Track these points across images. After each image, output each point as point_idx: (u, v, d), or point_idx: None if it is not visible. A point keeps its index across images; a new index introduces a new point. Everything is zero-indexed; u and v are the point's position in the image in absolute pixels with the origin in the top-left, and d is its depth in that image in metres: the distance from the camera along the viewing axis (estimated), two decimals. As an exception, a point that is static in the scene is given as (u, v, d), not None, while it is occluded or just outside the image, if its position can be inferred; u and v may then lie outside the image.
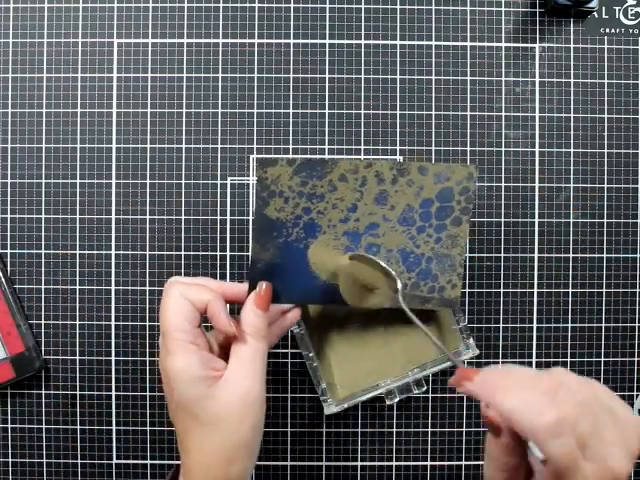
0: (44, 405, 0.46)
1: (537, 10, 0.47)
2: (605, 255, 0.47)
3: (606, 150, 0.47)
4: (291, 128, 0.46)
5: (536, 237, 0.47)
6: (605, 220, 0.47)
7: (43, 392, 0.46)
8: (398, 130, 0.47)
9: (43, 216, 0.46)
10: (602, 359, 0.47)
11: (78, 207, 0.46)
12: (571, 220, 0.47)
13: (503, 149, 0.47)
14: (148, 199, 0.46)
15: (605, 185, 0.47)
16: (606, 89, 0.47)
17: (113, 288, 0.46)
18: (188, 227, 0.46)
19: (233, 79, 0.46)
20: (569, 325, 0.47)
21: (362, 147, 0.47)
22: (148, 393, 0.46)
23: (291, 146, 0.46)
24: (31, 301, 0.46)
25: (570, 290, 0.47)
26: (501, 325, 0.47)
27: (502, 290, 0.47)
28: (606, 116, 0.47)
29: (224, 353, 0.36)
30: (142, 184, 0.46)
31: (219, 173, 0.46)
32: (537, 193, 0.47)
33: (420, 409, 0.47)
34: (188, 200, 0.46)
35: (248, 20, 0.46)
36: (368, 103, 0.47)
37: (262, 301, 0.36)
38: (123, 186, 0.46)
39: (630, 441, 0.29)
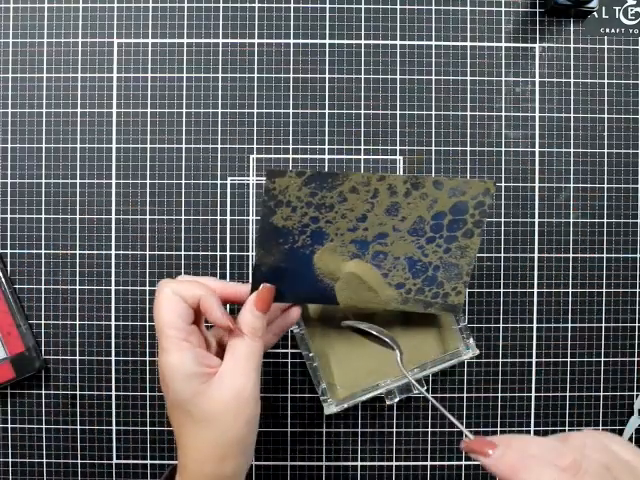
0: (44, 405, 0.46)
1: (537, 10, 0.47)
2: (605, 255, 0.47)
3: (606, 150, 0.47)
4: (291, 128, 0.46)
5: (536, 237, 0.47)
6: (605, 220, 0.47)
7: (43, 392, 0.46)
8: (398, 130, 0.47)
9: (43, 216, 0.46)
10: (602, 359, 0.47)
11: (78, 207, 0.46)
12: (571, 220, 0.47)
13: (503, 149, 0.47)
14: (148, 199, 0.46)
15: (605, 185, 0.47)
16: (606, 89, 0.47)
17: (113, 288, 0.46)
18: (188, 227, 0.46)
19: (233, 79, 0.46)
20: (569, 325, 0.47)
21: (362, 147, 0.47)
22: (148, 393, 0.46)
23: (291, 146, 0.46)
24: (31, 301, 0.46)
25: (570, 290, 0.47)
26: (501, 325, 0.47)
27: (502, 290, 0.47)
28: (606, 116, 0.47)
29: (223, 351, 0.36)
30: (142, 184, 0.46)
31: (219, 173, 0.46)
32: (537, 193, 0.47)
33: (420, 409, 0.47)
34: (188, 200, 0.46)
35: (248, 20, 0.46)
36: (368, 103, 0.47)
37: (262, 302, 0.36)
38: (123, 186, 0.46)
39: None
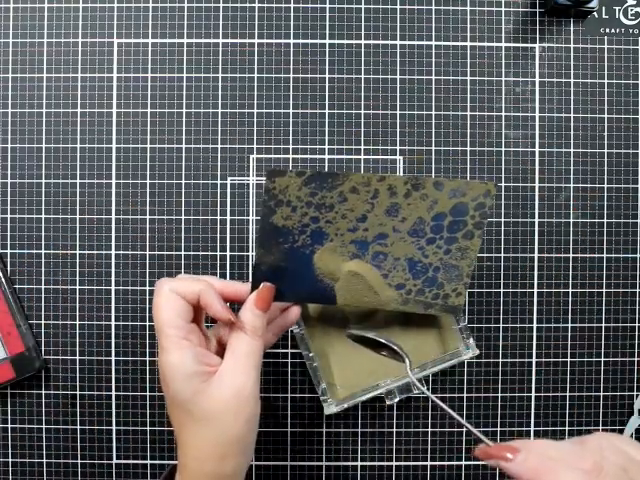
0: (44, 405, 0.46)
1: (537, 10, 0.47)
2: (605, 255, 0.47)
3: (606, 150, 0.47)
4: (291, 128, 0.46)
5: (536, 237, 0.47)
6: (605, 220, 0.47)
7: (43, 392, 0.46)
8: (398, 130, 0.47)
9: (43, 216, 0.46)
10: (602, 359, 0.47)
11: (78, 207, 0.46)
12: (571, 220, 0.47)
13: (503, 149, 0.47)
14: (148, 199, 0.46)
15: (605, 185, 0.47)
16: (606, 89, 0.47)
17: (113, 288, 0.46)
18: (188, 227, 0.46)
19: (233, 79, 0.46)
20: (569, 325, 0.47)
21: (362, 147, 0.47)
22: (148, 393, 0.46)
23: (291, 146, 0.46)
24: (31, 301, 0.46)
25: (570, 290, 0.47)
26: (501, 325, 0.47)
27: (502, 290, 0.47)
28: (606, 116, 0.47)
29: (223, 350, 0.36)
30: (142, 184, 0.46)
31: (219, 173, 0.46)
32: (537, 193, 0.47)
33: (420, 409, 0.47)
34: (188, 200, 0.46)
35: (248, 20, 0.46)
36: (368, 103, 0.47)
37: (262, 301, 0.36)
38: (123, 186, 0.46)
39: None
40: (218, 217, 0.46)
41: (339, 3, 0.46)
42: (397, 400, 0.42)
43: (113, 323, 0.46)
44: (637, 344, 0.47)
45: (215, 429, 0.34)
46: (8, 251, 0.46)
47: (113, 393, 0.46)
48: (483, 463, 0.47)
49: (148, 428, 0.46)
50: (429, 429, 0.47)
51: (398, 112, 0.47)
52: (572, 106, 0.47)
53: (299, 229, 0.37)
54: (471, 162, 0.47)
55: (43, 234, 0.46)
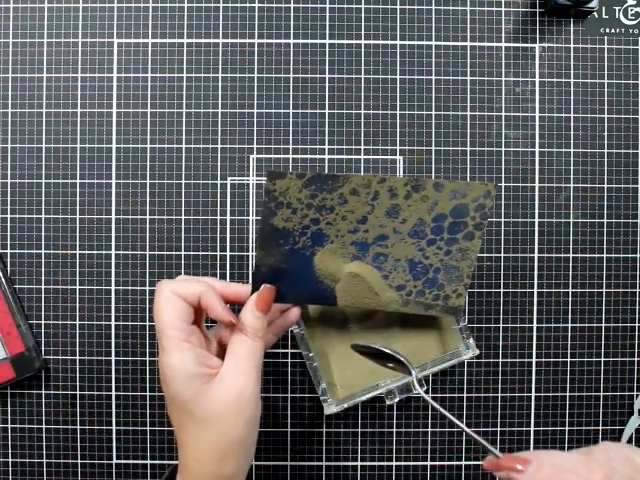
0: (44, 405, 0.46)
1: (537, 10, 0.47)
2: (605, 255, 0.47)
3: (606, 150, 0.47)
4: (291, 128, 0.46)
5: (536, 237, 0.47)
6: (605, 220, 0.47)
7: (43, 392, 0.46)
8: (398, 130, 0.47)
9: (43, 216, 0.46)
10: (602, 359, 0.47)
11: (78, 207, 0.46)
12: (571, 220, 0.47)
13: (503, 149, 0.47)
14: (148, 199, 0.46)
15: (605, 185, 0.47)
16: (606, 89, 0.47)
17: (113, 288, 0.46)
18: (188, 227, 0.46)
19: (233, 79, 0.46)
20: (569, 325, 0.47)
21: (362, 147, 0.47)
22: (148, 393, 0.46)
23: (291, 146, 0.46)
24: (31, 301, 0.46)
25: (570, 290, 0.47)
26: (501, 325, 0.47)
27: (502, 290, 0.47)
28: (606, 116, 0.47)
29: (223, 351, 0.36)
30: (142, 184, 0.46)
31: (219, 173, 0.46)
32: (537, 193, 0.47)
33: (420, 409, 0.47)
34: (188, 200, 0.46)
35: (248, 20, 0.46)
36: (368, 103, 0.47)
37: (262, 303, 0.36)
38: (123, 186, 0.46)
39: None
40: (218, 217, 0.46)
41: (339, 3, 0.46)
42: (397, 400, 0.42)
43: (113, 323, 0.46)
44: (637, 344, 0.47)
45: (216, 431, 0.34)
46: (8, 251, 0.46)
47: (113, 393, 0.46)
48: (482, 463, 0.47)
49: (148, 428, 0.46)
50: (429, 429, 0.47)
51: (398, 112, 0.47)
52: (572, 106, 0.47)
53: (299, 231, 0.37)
54: (471, 162, 0.47)
55: (43, 234, 0.46)
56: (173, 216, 0.46)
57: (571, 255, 0.47)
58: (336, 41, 0.47)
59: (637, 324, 0.47)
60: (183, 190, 0.46)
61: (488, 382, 0.47)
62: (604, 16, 0.47)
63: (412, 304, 0.41)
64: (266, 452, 0.47)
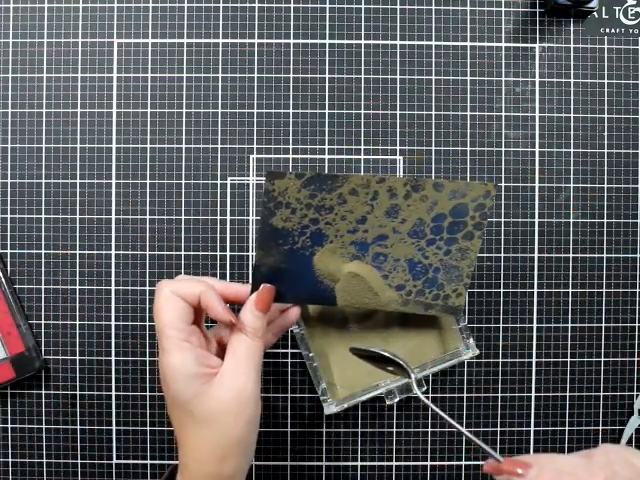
0: (44, 405, 0.46)
1: (537, 10, 0.47)
2: (605, 255, 0.47)
3: (606, 150, 0.47)
4: (291, 128, 0.46)
5: (536, 237, 0.47)
6: (605, 220, 0.47)
7: (43, 392, 0.46)
8: (398, 130, 0.47)
9: (43, 216, 0.46)
10: (602, 359, 0.47)
11: (78, 207, 0.46)
12: (571, 220, 0.47)
13: (503, 149, 0.47)
14: (148, 199, 0.46)
15: (605, 185, 0.47)
16: (606, 89, 0.47)
17: (113, 288, 0.46)
18: (188, 227, 0.46)
19: (233, 79, 0.46)
20: (569, 325, 0.47)
21: (362, 147, 0.47)
22: (148, 393, 0.46)
23: (291, 146, 0.46)
24: (31, 301, 0.46)
25: (570, 290, 0.47)
26: (501, 325, 0.47)
27: (502, 290, 0.47)
28: (606, 116, 0.47)
29: (223, 351, 0.36)
30: (142, 184, 0.46)
31: (219, 173, 0.46)
32: (537, 193, 0.47)
33: (420, 409, 0.47)
34: (188, 200, 0.46)
35: (248, 20, 0.46)
36: (368, 103, 0.47)
37: (262, 303, 0.36)
38: (123, 186, 0.46)
39: None
40: (218, 217, 0.46)
41: (339, 3, 0.46)
42: (397, 400, 0.42)
43: (113, 323, 0.46)
44: (637, 344, 0.47)
45: (216, 430, 0.34)
46: (8, 251, 0.46)
47: (113, 393, 0.46)
48: (483, 463, 0.47)
49: (148, 428, 0.46)
50: (429, 429, 0.47)
51: (398, 112, 0.47)
52: (572, 106, 0.47)
53: (299, 231, 0.37)
54: (471, 162, 0.47)
55: (43, 234, 0.46)
56: (173, 216, 0.46)
57: (571, 255, 0.47)
58: (336, 41, 0.47)
59: (637, 324, 0.47)
60: (183, 190, 0.46)
61: (488, 382, 0.47)
62: (604, 16, 0.47)
63: (412, 304, 0.41)
64: (266, 452, 0.47)
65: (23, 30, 0.46)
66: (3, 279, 0.45)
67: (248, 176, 0.46)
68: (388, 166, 0.47)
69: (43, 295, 0.46)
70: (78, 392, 0.46)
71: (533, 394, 0.47)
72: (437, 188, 0.36)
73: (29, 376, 0.45)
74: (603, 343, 0.47)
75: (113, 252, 0.46)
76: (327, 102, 0.46)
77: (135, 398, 0.46)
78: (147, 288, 0.46)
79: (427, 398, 0.47)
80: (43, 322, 0.46)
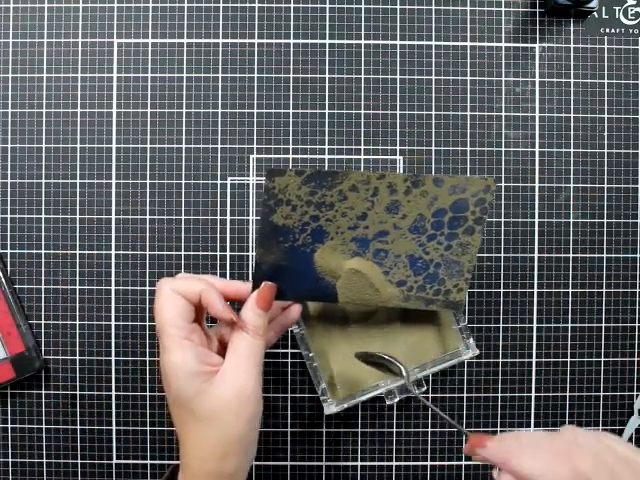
0: (44, 405, 0.46)
1: (537, 10, 0.47)
2: (605, 255, 0.47)
3: (606, 150, 0.47)
4: (291, 128, 0.46)
5: (536, 237, 0.47)
6: (605, 220, 0.47)
7: (43, 392, 0.46)
8: (398, 130, 0.47)
9: (43, 216, 0.46)
10: (602, 359, 0.47)
11: (78, 207, 0.46)
12: (571, 220, 0.47)
13: (503, 149, 0.47)
14: (148, 199, 0.46)
15: (605, 185, 0.47)
16: (606, 89, 0.47)
17: (113, 288, 0.46)
18: (188, 227, 0.46)
19: (233, 79, 0.46)
20: (569, 325, 0.47)
21: (362, 147, 0.47)
22: (148, 393, 0.46)
23: (291, 146, 0.46)
24: (31, 301, 0.46)
25: (570, 290, 0.47)
26: (501, 325, 0.47)
27: (502, 290, 0.47)
28: (606, 116, 0.47)
29: (224, 349, 0.37)
30: (142, 184, 0.46)
31: (219, 173, 0.46)
32: (537, 193, 0.47)
33: (420, 409, 0.47)
34: (188, 200, 0.46)
35: (248, 20, 0.46)
36: (368, 103, 0.47)
37: (263, 301, 0.36)
38: (123, 186, 0.46)
39: None
40: (218, 217, 0.46)
41: (339, 3, 0.46)
42: (397, 400, 0.42)
43: (113, 323, 0.46)
44: (637, 344, 0.47)
45: (217, 429, 0.34)
46: (8, 251, 0.46)
47: (113, 393, 0.46)
48: (483, 463, 0.47)
49: (148, 428, 0.46)
50: (429, 429, 0.47)
51: (398, 112, 0.47)
52: (572, 106, 0.47)
53: (299, 228, 0.37)
54: (471, 162, 0.47)
55: (43, 234, 0.46)
56: (173, 216, 0.46)
57: (571, 255, 0.47)
58: (336, 41, 0.47)
59: (637, 324, 0.47)
60: (183, 190, 0.46)
61: (488, 382, 0.47)
62: (604, 16, 0.47)
63: (413, 299, 0.41)
64: (266, 452, 0.47)
65: (23, 30, 0.46)
66: (3, 279, 0.45)
67: (248, 176, 0.46)
68: (388, 166, 0.47)
69: (43, 295, 0.46)
70: (78, 392, 0.46)
71: (533, 394, 0.47)
72: (437, 183, 0.36)
73: (29, 376, 0.45)
74: (603, 343, 0.47)
75: (113, 252, 0.46)
76: (327, 102, 0.46)
77: (135, 398, 0.46)
78: (147, 288, 0.46)
79: (427, 398, 0.47)
80: (43, 322, 0.46)
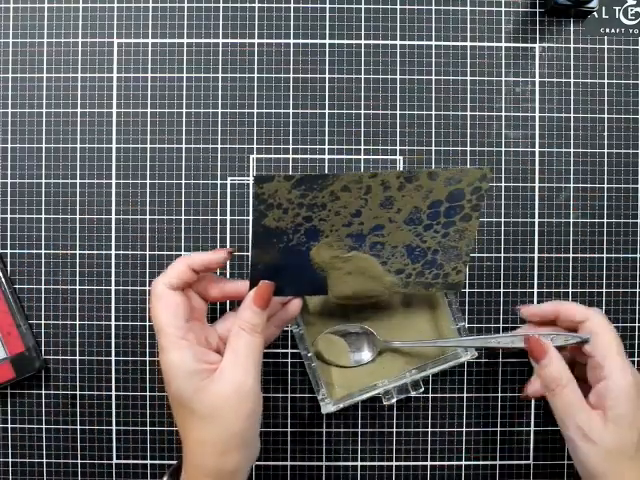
0: (44, 405, 0.46)
1: (537, 10, 0.47)
2: (605, 255, 0.47)
3: (606, 150, 0.47)
4: (291, 128, 0.46)
5: (536, 237, 0.47)
6: (605, 220, 0.47)
7: (43, 392, 0.46)
8: (398, 130, 0.47)
9: (43, 216, 0.46)
10: (602, 359, 0.47)
11: (78, 207, 0.46)
12: (571, 220, 0.47)
13: (503, 149, 0.47)
14: (148, 199, 0.46)
15: (605, 185, 0.47)
16: (606, 89, 0.47)
17: (113, 288, 0.46)
18: (188, 227, 0.46)
19: (233, 79, 0.46)
20: (569, 325, 0.47)
21: (362, 147, 0.47)
22: (148, 393, 0.46)
23: (291, 146, 0.46)
24: (31, 301, 0.46)
25: (570, 290, 0.47)
26: (501, 325, 0.47)
27: (502, 290, 0.47)
28: (606, 116, 0.47)
29: (224, 344, 0.37)
30: (142, 184, 0.46)
31: (219, 173, 0.46)
32: (537, 193, 0.47)
33: (420, 409, 0.47)
34: (188, 200, 0.46)
35: (248, 20, 0.46)
36: (368, 103, 0.47)
37: (260, 299, 0.36)
38: (123, 186, 0.46)
39: None
40: (218, 217, 0.46)
41: (339, 3, 0.46)
42: (394, 401, 0.42)
43: (113, 323, 0.46)
44: (637, 344, 0.47)
45: (216, 425, 0.34)
46: (8, 251, 0.46)
47: (113, 393, 0.46)
48: (483, 463, 0.47)
49: (148, 428, 0.46)
50: (429, 429, 0.47)
51: (398, 112, 0.47)
52: (572, 106, 0.47)
53: (292, 229, 0.37)
54: (471, 162, 0.47)
55: (43, 234, 0.46)
56: (173, 216, 0.46)
57: (571, 255, 0.47)
58: (336, 41, 0.47)
59: (637, 324, 0.47)
60: (183, 190, 0.46)
61: (488, 382, 0.47)
62: (604, 16, 0.47)
63: (412, 285, 0.41)
64: (266, 452, 0.47)
65: (23, 30, 0.46)
66: (3, 279, 0.45)
67: (248, 176, 0.46)
68: (388, 166, 0.47)
69: (43, 295, 0.46)
70: (78, 392, 0.46)
71: (533, 394, 0.47)
72: (431, 177, 0.36)
73: (29, 376, 0.45)
74: (603, 343, 0.47)
75: (113, 252, 0.46)
76: (327, 102, 0.46)
77: (135, 398, 0.46)
78: (147, 288, 0.46)
79: (426, 399, 0.47)
80: (43, 322, 0.46)
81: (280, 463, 0.47)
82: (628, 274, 0.47)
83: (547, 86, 0.47)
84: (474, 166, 0.38)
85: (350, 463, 0.47)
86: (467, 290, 0.47)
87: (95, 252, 0.46)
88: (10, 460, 0.46)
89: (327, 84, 0.46)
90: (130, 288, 0.46)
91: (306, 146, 0.46)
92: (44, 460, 0.46)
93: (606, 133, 0.47)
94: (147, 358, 0.46)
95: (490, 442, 0.47)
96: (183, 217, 0.46)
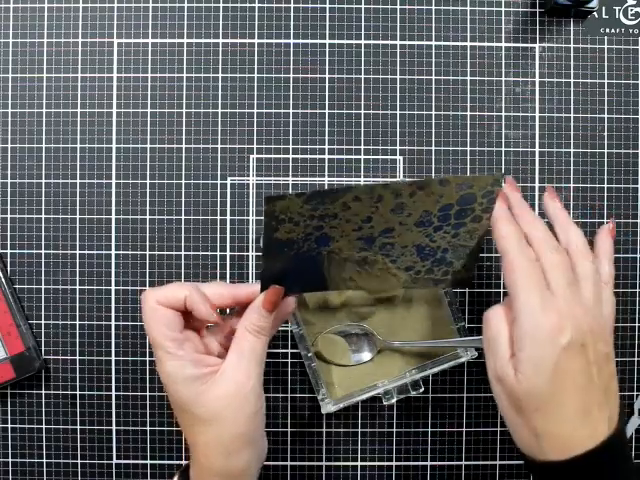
0: (44, 405, 0.46)
1: (537, 10, 0.47)
2: (605, 255, 0.47)
3: (606, 150, 0.47)
4: (291, 128, 0.46)
5: (536, 237, 0.47)
6: (605, 220, 0.47)
7: (43, 392, 0.46)
8: (398, 130, 0.47)
9: (43, 216, 0.46)
10: (602, 359, 0.47)
11: (78, 207, 0.46)
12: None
13: (503, 149, 0.47)
14: (148, 199, 0.46)
15: (605, 185, 0.47)
16: (606, 89, 0.47)
17: (113, 288, 0.46)
18: (188, 227, 0.46)
19: (233, 79, 0.46)
20: (569, 325, 0.47)
21: (362, 147, 0.47)
22: (148, 393, 0.46)
23: (291, 146, 0.46)
24: (31, 301, 0.46)
25: (570, 290, 0.47)
26: (501, 325, 0.46)
27: (502, 290, 0.47)
28: (606, 116, 0.47)
29: (226, 350, 0.37)
30: (142, 184, 0.46)
31: (219, 173, 0.46)
32: (537, 193, 0.47)
33: (420, 409, 0.47)
34: (188, 200, 0.46)
35: (248, 20, 0.46)
36: (368, 103, 0.47)
37: (269, 303, 0.36)
38: (123, 186, 0.46)
39: None
40: (218, 217, 0.46)
41: (339, 3, 0.46)
42: (394, 401, 0.42)
43: (113, 323, 0.46)
44: (637, 344, 0.47)
45: (220, 427, 0.34)
46: (8, 251, 0.46)
47: (113, 393, 0.46)
48: (483, 463, 0.47)
49: (148, 428, 0.46)
50: (429, 429, 0.47)
51: (398, 112, 0.47)
52: (572, 106, 0.47)
53: (303, 238, 0.36)
54: (471, 162, 0.47)
55: (43, 234, 0.46)
56: (173, 216, 0.46)
57: (571, 255, 0.47)
58: (336, 41, 0.47)
59: (637, 324, 0.47)
60: (183, 190, 0.46)
61: (488, 382, 0.47)
62: (604, 16, 0.47)
63: (421, 281, 0.41)
64: (266, 452, 0.47)
65: (23, 30, 0.46)
66: (3, 279, 0.45)
67: (248, 176, 0.46)
68: (388, 166, 0.47)
69: (43, 295, 0.46)
70: (78, 392, 0.46)
71: (533, 394, 0.47)
72: (442, 184, 0.36)
73: (29, 376, 0.45)
74: (603, 343, 0.47)
75: (113, 252, 0.46)
76: (327, 102, 0.46)
77: (135, 398, 0.46)
78: (147, 288, 0.46)
79: (426, 399, 0.47)
80: (43, 322, 0.46)
81: (280, 463, 0.47)
82: (628, 274, 0.47)
83: (547, 86, 0.47)
84: (486, 174, 0.37)
85: (350, 463, 0.47)
86: (467, 290, 0.47)
87: (95, 252, 0.46)
88: (10, 460, 0.46)
89: (327, 84, 0.46)
90: (130, 288, 0.46)
91: (306, 146, 0.46)
92: (44, 460, 0.46)
93: (606, 133, 0.47)
94: (147, 358, 0.46)
95: (490, 442, 0.47)
96: (183, 217, 0.46)
